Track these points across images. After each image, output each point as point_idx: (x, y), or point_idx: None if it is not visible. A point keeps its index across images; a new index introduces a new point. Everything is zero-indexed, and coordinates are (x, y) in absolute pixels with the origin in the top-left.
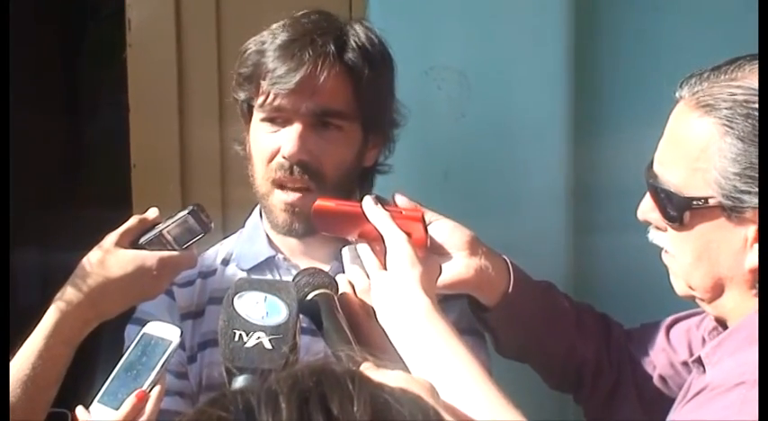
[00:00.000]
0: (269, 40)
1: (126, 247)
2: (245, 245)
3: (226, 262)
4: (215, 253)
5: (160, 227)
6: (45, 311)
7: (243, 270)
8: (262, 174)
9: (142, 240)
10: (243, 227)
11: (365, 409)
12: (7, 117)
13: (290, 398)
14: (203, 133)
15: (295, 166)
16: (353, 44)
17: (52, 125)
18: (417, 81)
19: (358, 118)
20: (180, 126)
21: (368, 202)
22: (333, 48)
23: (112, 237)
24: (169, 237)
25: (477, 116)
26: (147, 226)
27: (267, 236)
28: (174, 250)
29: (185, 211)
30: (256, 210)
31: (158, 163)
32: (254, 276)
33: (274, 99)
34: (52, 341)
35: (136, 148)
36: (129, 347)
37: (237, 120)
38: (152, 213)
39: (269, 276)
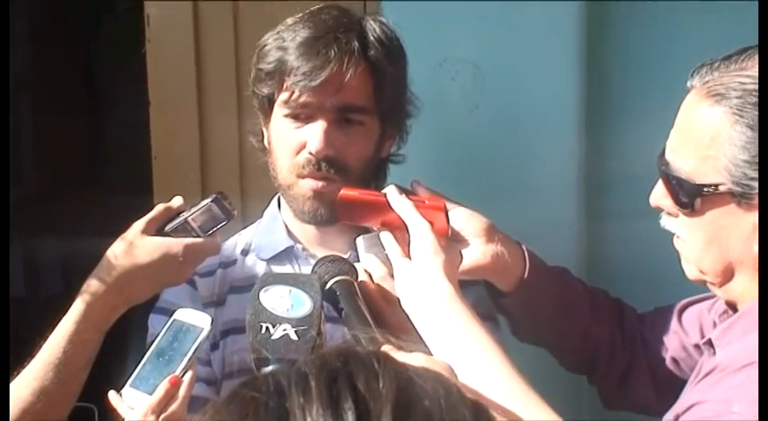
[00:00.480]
0: (290, 36)
1: (152, 235)
2: (263, 235)
3: (245, 252)
4: (234, 243)
5: (185, 214)
6: (68, 300)
7: (262, 260)
8: (287, 166)
9: (168, 228)
10: (261, 217)
11: (390, 386)
12: (7, 117)
13: (318, 377)
14: (222, 125)
15: (321, 161)
16: (374, 41)
17: (74, 119)
18: (432, 73)
19: (377, 112)
20: (199, 118)
21: (392, 192)
22: (357, 45)
23: (139, 224)
24: (194, 225)
25: (491, 107)
26: (172, 214)
27: (286, 226)
28: (199, 237)
29: (209, 199)
30: (274, 201)
31: (178, 154)
32: (277, 270)
33: (300, 96)
34: (82, 326)
35: (156, 140)
36: (158, 334)
37: (254, 113)
38: (176, 202)
39: (288, 266)
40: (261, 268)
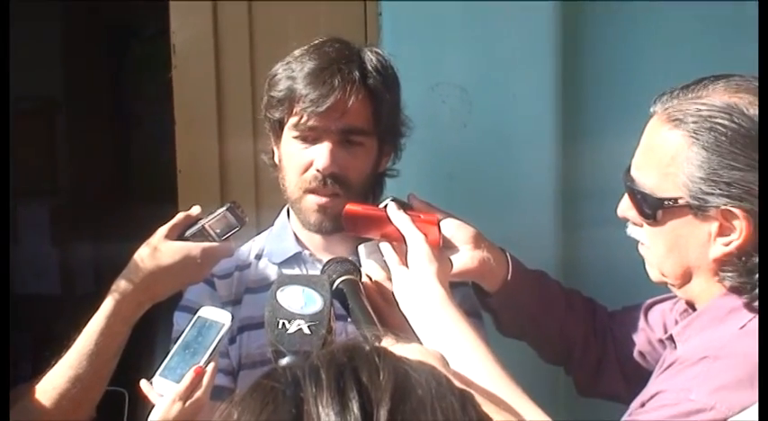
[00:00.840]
0: (298, 66)
1: (174, 239)
2: (274, 242)
3: (258, 256)
4: (249, 249)
5: (202, 221)
6: (100, 298)
7: (274, 264)
8: (295, 182)
9: (187, 233)
10: (272, 225)
11: (389, 378)
12: (7, 117)
13: (328, 370)
14: (239, 143)
15: (327, 178)
16: (371, 70)
17: (106, 136)
18: (424, 96)
19: (375, 133)
20: (219, 137)
21: (392, 208)
22: (357, 74)
23: (162, 230)
24: (210, 231)
25: (477, 126)
26: (191, 221)
27: (294, 234)
28: (215, 241)
29: (224, 208)
30: (284, 212)
31: (200, 169)
32: (291, 272)
33: (308, 120)
34: (112, 320)
35: (181, 156)
36: (185, 329)
37: (266, 135)
38: (195, 210)
39: (297, 269)
40: (272, 271)
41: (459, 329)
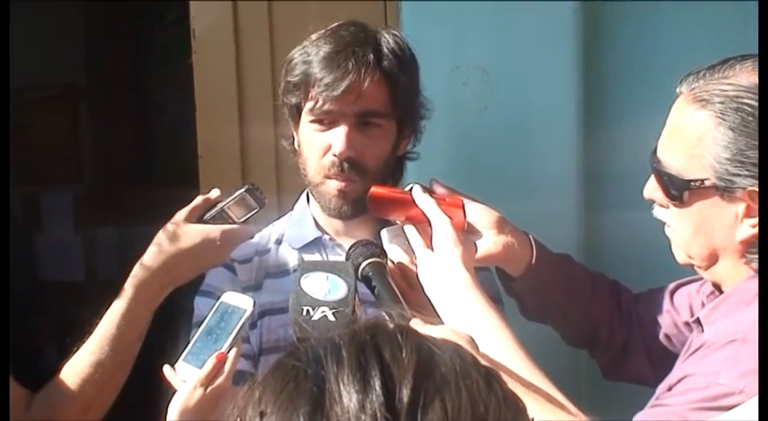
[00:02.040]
0: (313, 51)
1: (193, 223)
2: (294, 227)
3: (279, 241)
4: (269, 234)
5: (221, 204)
6: (123, 284)
7: (294, 249)
8: (314, 167)
9: (207, 216)
10: (291, 210)
11: (411, 355)
12: (7, 116)
13: (350, 348)
14: (260, 128)
15: (344, 162)
16: (387, 52)
17: (127, 122)
18: (445, 78)
19: (393, 115)
20: (239, 122)
21: (417, 191)
22: (372, 57)
23: (182, 214)
24: (230, 213)
25: (498, 109)
26: (211, 204)
27: (314, 219)
28: (235, 223)
29: (242, 190)
30: (303, 196)
31: (221, 153)
32: (307, 258)
33: (323, 104)
34: (134, 304)
35: (202, 141)
36: (207, 314)
37: (286, 120)
38: (214, 193)
39: (316, 254)
40: (293, 256)
41: (484, 313)
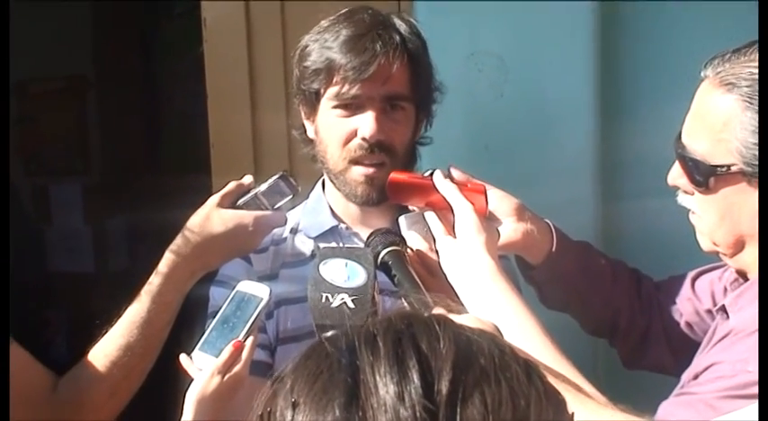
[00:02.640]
0: (332, 36)
1: (225, 208)
2: (310, 216)
3: (294, 231)
4: None
5: (254, 190)
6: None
7: (310, 238)
8: (338, 154)
9: (240, 202)
10: (306, 198)
11: (450, 346)
12: (7, 117)
13: (386, 338)
14: (272, 116)
15: (374, 146)
16: (407, 35)
17: (138, 112)
18: (461, 65)
19: (414, 99)
20: (251, 110)
21: (438, 176)
22: (398, 39)
23: (214, 199)
24: (263, 199)
25: (514, 96)
26: (243, 189)
27: (330, 207)
28: (267, 210)
29: (276, 177)
30: (318, 185)
31: (233, 142)
32: (333, 245)
33: (351, 88)
34: (165, 288)
35: (214, 130)
36: (224, 303)
37: (296, 110)
38: (247, 179)
39: (333, 244)
40: (309, 246)
41: (510, 302)
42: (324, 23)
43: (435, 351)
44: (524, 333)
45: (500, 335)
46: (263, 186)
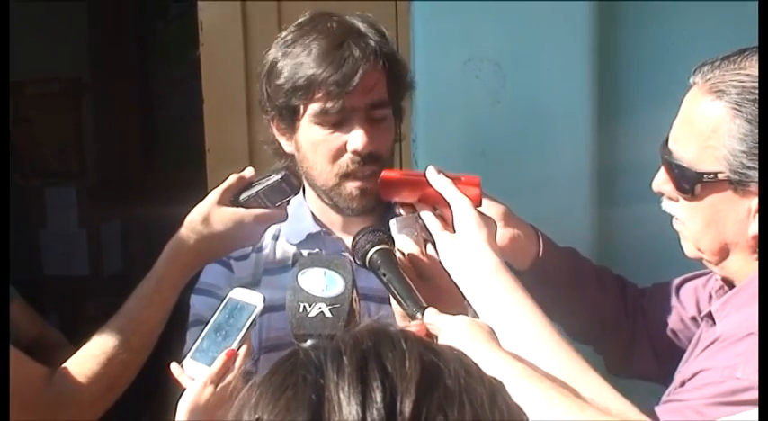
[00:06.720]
0: (302, 50)
1: (227, 204)
2: (292, 222)
3: (276, 237)
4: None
5: (257, 187)
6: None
7: (292, 244)
8: (328, 169)
9: (242, 197)
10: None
11: (415, 366)
12: (7, 115)
13: (351, 356)
14: None
15: (365, 158)
16: (378, 38)
17: (134, 116)
18: (458, 71)
19: (393, 102)
20: (247, 114)
21: (432, 172)
22: (373, 45)
23: (215, 194)
24: (264, 198)
25: (511, 102)
26: (245, 183)
27: (312, 213)
28: (268, 207)
29: (279, 175)
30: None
31: (229, 146)
32: (312, 254)
33: (335, 103)
34: (162, 284)
35: (209, 134)
36: (216, 310)
37: (266, 125)
38: (249, 172)
39: (315, 249)
40: (290, 252)
41: (515, 297)
42: (287, 36)
43: (400, 371)
44: (531, 328)
45: (492, 337)
46: (266, 184)
